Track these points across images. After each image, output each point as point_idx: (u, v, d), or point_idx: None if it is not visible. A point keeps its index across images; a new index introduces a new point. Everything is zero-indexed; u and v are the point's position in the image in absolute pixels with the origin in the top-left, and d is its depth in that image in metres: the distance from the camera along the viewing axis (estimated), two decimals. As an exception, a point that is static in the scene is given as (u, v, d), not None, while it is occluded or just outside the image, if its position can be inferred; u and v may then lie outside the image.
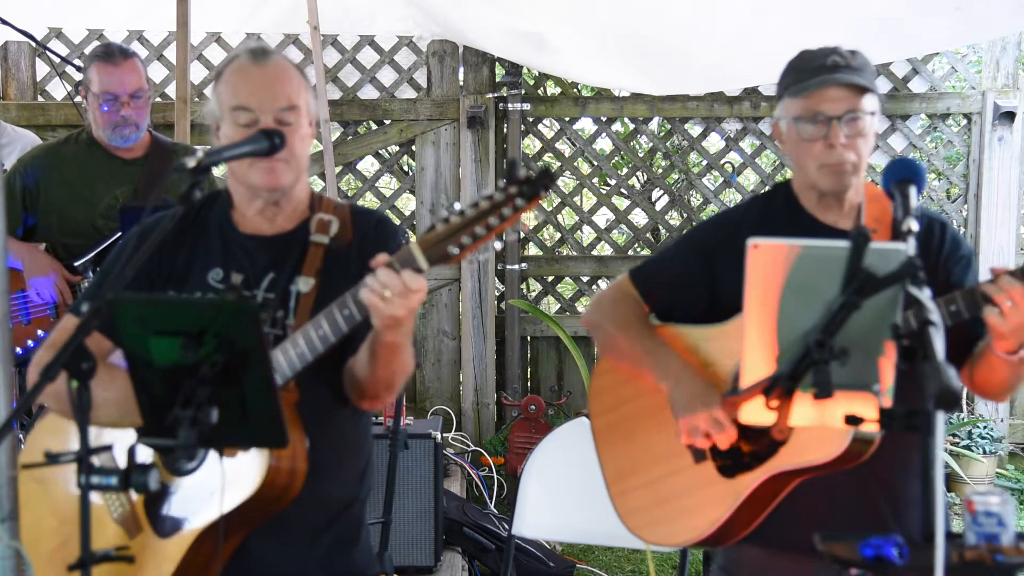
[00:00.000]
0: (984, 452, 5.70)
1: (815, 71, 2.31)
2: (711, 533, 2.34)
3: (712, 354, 2.39)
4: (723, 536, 2.36)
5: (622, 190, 6.31)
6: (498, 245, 1.90)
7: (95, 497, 2.17)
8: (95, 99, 3.82)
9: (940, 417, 1.61)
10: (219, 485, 2.04)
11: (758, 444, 2.29)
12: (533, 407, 5.45)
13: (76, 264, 3.90)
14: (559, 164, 6.28)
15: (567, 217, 6.86)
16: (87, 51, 5.85)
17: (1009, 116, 5.87)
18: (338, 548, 2.28)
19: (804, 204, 2.42)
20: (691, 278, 2.48)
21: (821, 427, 2.12)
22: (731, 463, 2.34)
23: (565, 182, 6.42)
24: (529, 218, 6.45)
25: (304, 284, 2.21)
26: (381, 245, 2.27)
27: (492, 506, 5.07)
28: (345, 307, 2.02)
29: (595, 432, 2.61)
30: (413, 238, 1.92)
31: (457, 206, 1.87)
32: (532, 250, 6.20)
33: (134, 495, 2.16)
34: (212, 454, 2.09)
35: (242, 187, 2.28)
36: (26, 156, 4.07)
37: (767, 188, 2.80)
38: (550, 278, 6.22)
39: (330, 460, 2.23)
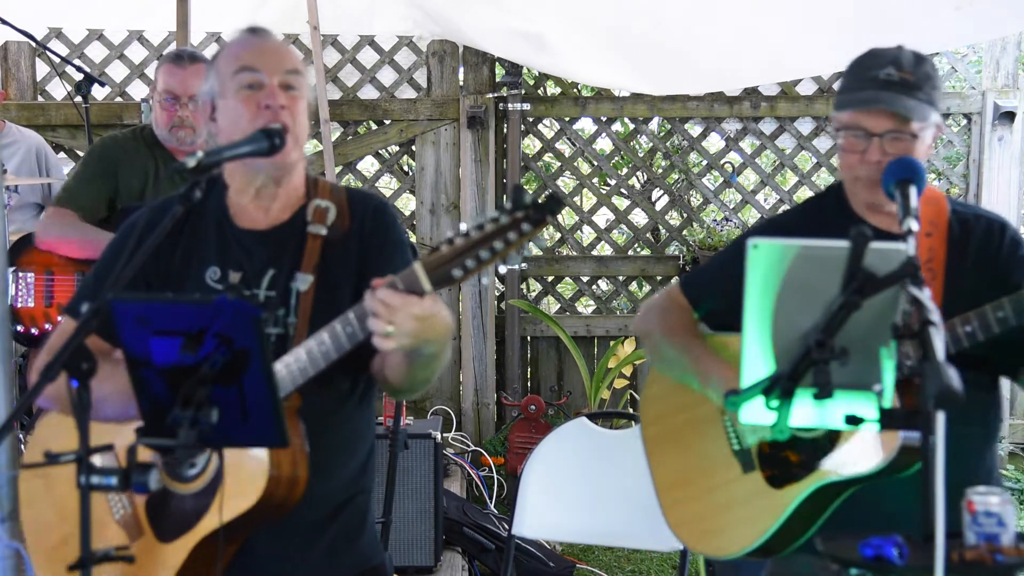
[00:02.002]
0: (984, 452, 5.70)
1: (865, 83, 2.26)
2: (762, 544, 2.32)
3: None
4: (775, 546, 2.34)
5: (622, 190, 6.31)
6: (503, 269, 1.87)
7: (99, 497, 2.17)
8: (157, 98, 3.82)
9: (940, 417, 1.61)
10: (220, 492, 2.04)
11: (806, 454, 2.28)
12: (533, 407, 5.45)
13: None
14: (559, 164, 6.28)
15: (567, 217, 6.86)
16: (87, 51, 5.87)
17: (1009, 116, 5.88)
18: (343, 540, 2.27)
19: (855, 207, 2.39)
20: (740, 286, 2.46)
21: (868, 437, 2.11)
22: (780, 473, 2.32)
23: (565, 182, 6.42)
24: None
25: (303, 282, 2.18)
26: (381, 235, 2.24)
27: (492, 506, 5.06)
28: (348, 324, 1.98)
29: (646, 441, 2.58)
30: (418, 262, 1.87)
31: (463, 227, 1.83)
32: (532, 250, 6.17)
33: (137, 498, 2.16)
34: (212, 459, 2.09)
35: (240, 166, 2.20)
36: (109, 138, 4.01)
37: (818, 191, 2.76)
38: (550, 278, 6.21)
39: (331, 458, 2.22)
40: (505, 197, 5.64)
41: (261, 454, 2.02)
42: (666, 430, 2.54)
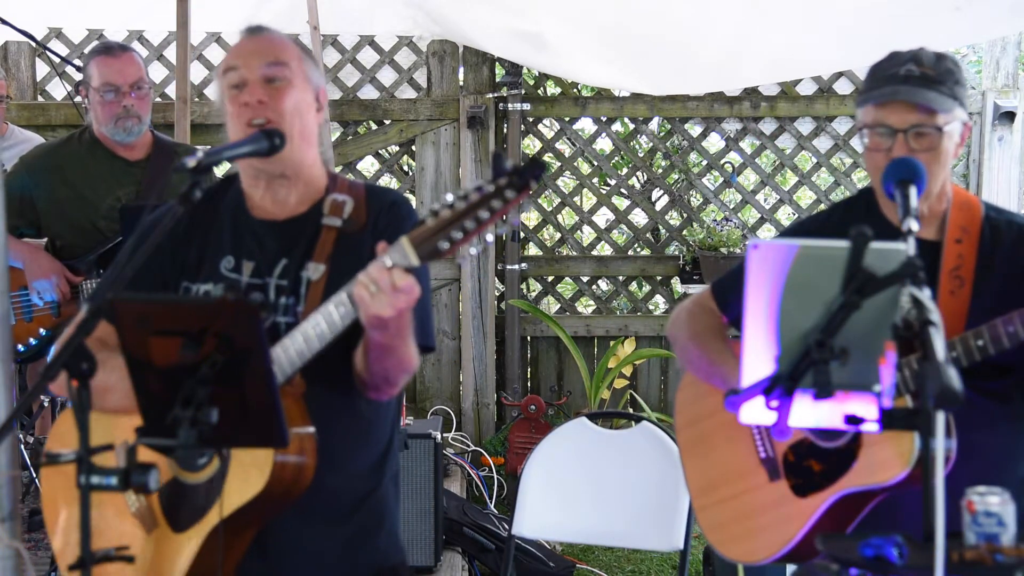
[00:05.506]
0: (984, 452, 5.70)
1: (886, 80, 2.24)
2: (788, 551, 2.33)
3: None
4: (801, 554, 2.34)
5: (622, 190, 6.31)
6: (489, 237, 1.86)
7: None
8: (96, 94, 3.78)
9: (940, 417, 1.61)
10: (224, 483, 2.04)
11: (829, 463, 2.28)
12: (533, 407, 5.45)
13: (78, 263, 3.88)
14: (559, 164, 6.28)
15: (567, 217, 6.86)
16: (87, 51, 5.86)
17: (1009, 116, 5.88)
18: (361, 535, 2.28)
19: (884, 211, 2.35)
20: None
21: (890, 447, 2.11)
22: (803, 482, 2.33)
23: (565, 182, 6.42)
24: (529, 218, 6.45)
25: (314, 271, 2.19)
26: (393, 230, 2.23)
27: (492, 506, 5.07)
28: (341, 304, 2.00)
29: (680, 445, 2.62)
30: (405, 236, 1.88)
31: (448, 198, 1.83)
32: (532, 250, 6.20)
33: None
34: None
35: (244, 163, 2.26)
36: (27, 156, 4.04)
37: (849, 194, 2.73)
38: (550, 278, 6.22)
39: (344, 450, 2.21)
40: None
41: None
42: (697, 435, 2.56)
